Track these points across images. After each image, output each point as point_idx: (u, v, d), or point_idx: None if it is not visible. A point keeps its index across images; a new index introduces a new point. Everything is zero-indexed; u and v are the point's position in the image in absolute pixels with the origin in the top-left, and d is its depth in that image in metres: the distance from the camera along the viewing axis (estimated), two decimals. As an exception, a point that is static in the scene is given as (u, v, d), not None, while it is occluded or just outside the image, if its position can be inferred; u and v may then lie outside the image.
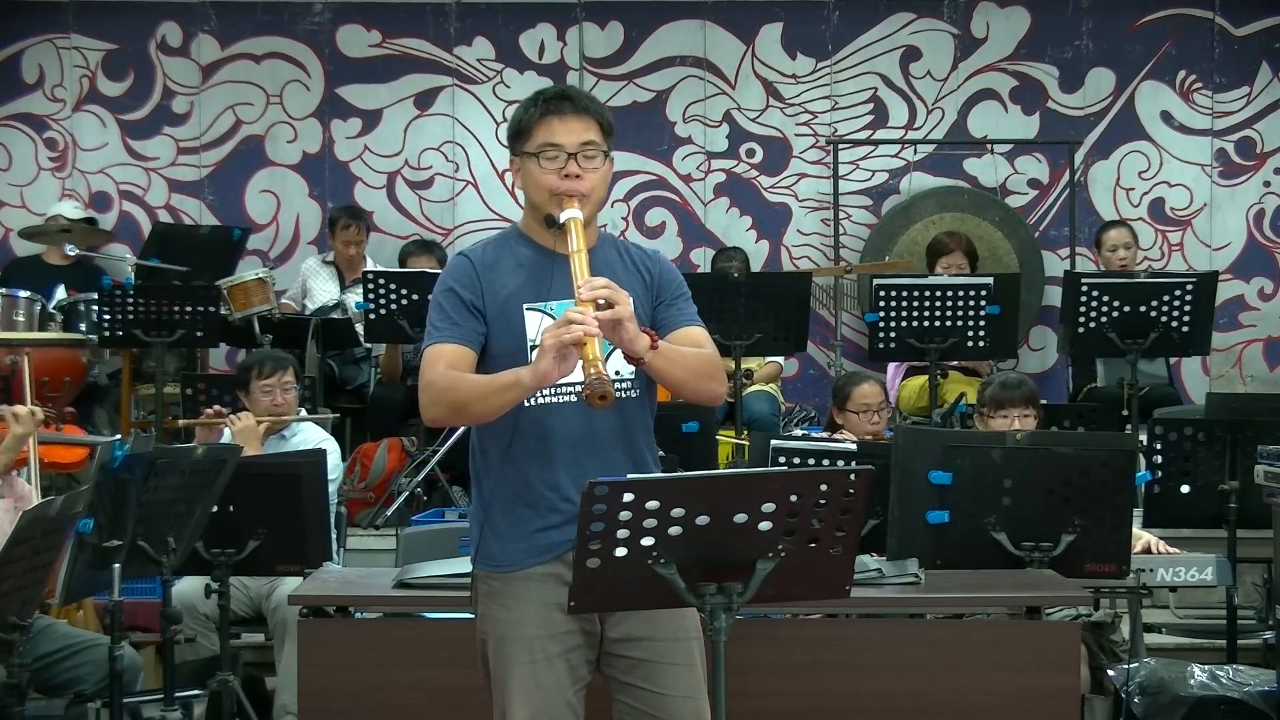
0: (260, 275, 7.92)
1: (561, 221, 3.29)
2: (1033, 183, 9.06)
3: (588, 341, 3.09)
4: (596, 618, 3.32)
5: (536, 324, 3.33)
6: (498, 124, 9.06)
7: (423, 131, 9.11)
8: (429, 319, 3.42)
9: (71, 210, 8.72)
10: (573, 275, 3.21)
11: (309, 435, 6.25)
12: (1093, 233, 8.56)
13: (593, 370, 3.07)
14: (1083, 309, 6.89)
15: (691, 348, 3.39)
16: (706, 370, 3.38)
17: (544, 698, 3.29)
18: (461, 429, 6.87)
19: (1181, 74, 9.01)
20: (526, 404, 3.29)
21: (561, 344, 3.11)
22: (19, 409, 5.27)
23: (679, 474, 3.08)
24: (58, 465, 6.13)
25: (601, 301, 3.16)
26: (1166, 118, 9.02)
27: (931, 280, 7.14)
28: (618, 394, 3.21)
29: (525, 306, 3.35)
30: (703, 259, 8.93)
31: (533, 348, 3.29)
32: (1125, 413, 7.04)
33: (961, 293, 6.93)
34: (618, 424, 3.34)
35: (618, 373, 3.32)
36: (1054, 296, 8.40)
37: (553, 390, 3.29)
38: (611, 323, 3.15)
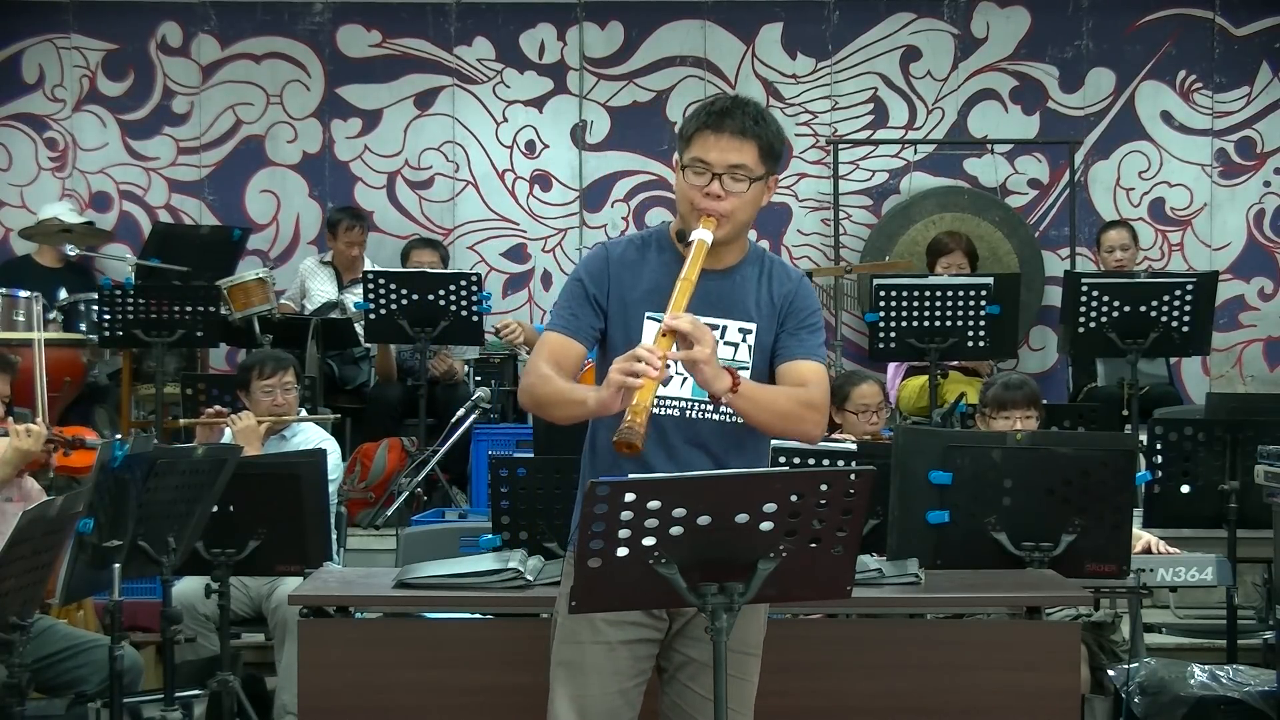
0: (260, 275, 7.91)
1: (690, 240, 3.29)
2: (1033, 183, 9.05)
3: (645, 385, 3.07)
4: (667, 615, 3.32)
5: (652, 333, 3.32)
6: (498, 124, 9.07)
7: (423, 131, 9.11)
8: (557, 300, 3.48)
9: (68, 212, 8.71)
10: (671, 303, 3.20)
11: (309, 435, 6.26)
12: (1093, 233, 8.56)
13: (630, 419, 3.04)
14: (1083, 309, 6.89)
15: (788, 387, 3.35)
16: (795, 414, 3.33)
17: (599, 680, 3.30)
18: (461, 430, 6.90)
19: (1181, 74, 9.00)
20: None
21: (621, 384, 3.10)
22: (32, 429, 5.23)
23: (681, 474, 3.06)
24: (70, 469, 6.13)
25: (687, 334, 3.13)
26: (1166, 118, 9.02)
27: (931, 280, 7.14)
28: (725, 419, 3.23)
29: (646, 315, 3.36)
30: (703, 259, 8.91)
31: None
32: (1125, 413, 7.04)
33: (961, 293, 6.93)
34: (729, 440, 3.35)
35: None
36: (1054, 296, 8.40)
37: (658, 402, 3.25)
38: (690, 361, 3.14)
